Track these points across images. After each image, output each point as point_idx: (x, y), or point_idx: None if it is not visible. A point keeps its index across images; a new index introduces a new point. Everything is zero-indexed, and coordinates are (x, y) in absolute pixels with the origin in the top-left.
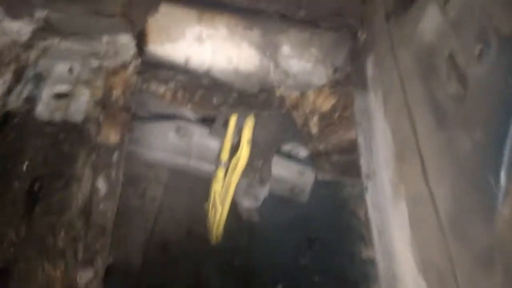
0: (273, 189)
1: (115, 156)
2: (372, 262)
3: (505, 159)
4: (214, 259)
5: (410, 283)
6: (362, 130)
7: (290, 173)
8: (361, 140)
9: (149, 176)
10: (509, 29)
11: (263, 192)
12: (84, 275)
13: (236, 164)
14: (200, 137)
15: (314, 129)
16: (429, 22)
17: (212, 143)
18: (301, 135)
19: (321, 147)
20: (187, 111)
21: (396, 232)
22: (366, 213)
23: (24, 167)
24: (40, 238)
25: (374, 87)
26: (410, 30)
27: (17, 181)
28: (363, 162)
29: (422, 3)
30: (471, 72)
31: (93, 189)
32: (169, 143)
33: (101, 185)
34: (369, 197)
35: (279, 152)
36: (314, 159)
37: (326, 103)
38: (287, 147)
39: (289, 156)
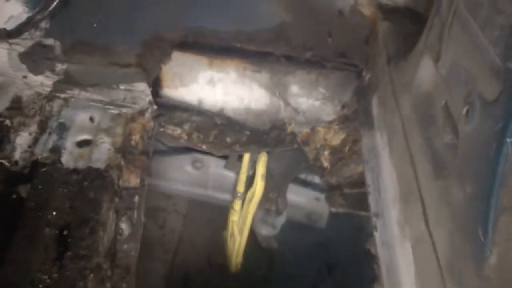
0: (291, 215)
1: (136, 199)
2: None
3: (491, 213)
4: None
5: None
6: (370, 168)
7: (307, 199)
8: (369, 179)
9: (168, 207)
10: (492, 95)
11: (280, 220)
12: None
13: (251, 197)
14: (216, 168)
15: (325, 163)
16: (425, 73)
17: (228, 173)
18: (313, 168)
19: (333, 180)
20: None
21: (403, 270)
22: (375, 250)
23: (53, 215)
24: (71, 281)
25: (379, 127)
26: (409, 77)
27: (47, 228)
28: (371, 200)
29: (418, 55)
30: (460, 128)
31: (117, 231)
32: (186, 175)
33: (124, 226)
34: (378, 235)
35: (294, 179)
36: (326, 194)
37: (336, 138)
38: (302, 174)
39: (305, 183)
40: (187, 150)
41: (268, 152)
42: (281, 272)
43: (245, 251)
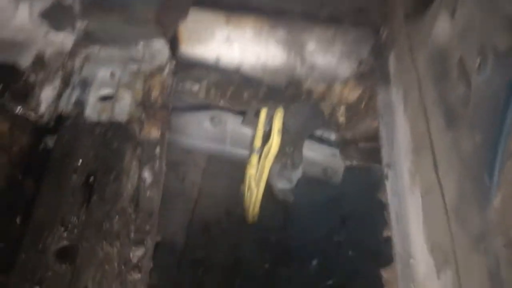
0: (307, 171)
1: (157, 150)
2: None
3: (498, 161)
4: (251, 237)
5: (421, 260)
6: (384, 123)
7: (323, 155)
8: (383, 132)
9: (188, 162)
10: (505, 47)
11: (296, 174)
12: (137, 253)
13: (268, 151)
14: (234, 124)
15: (341, 119)
16: (441, 28)
17: (245, 130)
18: (329, 124)
19: (349, 135)
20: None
21: (411, 217)
22: (386, 198)
23: (79, 163)
24: (98, 223)
25: (395, 83)
26: (426, 33)
27: (74, 175)
28: (384, 153)
29: (435, 10)
30: (473, 80)
31: (140, 179)
32: (204, 131)
33: (147, 175)
34: (389, 184)
35: (311, 136)
36: (341, 147)
37: (352, 94)
38: (318, 132)
39: (321, 140)
40: (206, 106)
41: (284, 108)
42: (297, 224)
43: (262, 204)
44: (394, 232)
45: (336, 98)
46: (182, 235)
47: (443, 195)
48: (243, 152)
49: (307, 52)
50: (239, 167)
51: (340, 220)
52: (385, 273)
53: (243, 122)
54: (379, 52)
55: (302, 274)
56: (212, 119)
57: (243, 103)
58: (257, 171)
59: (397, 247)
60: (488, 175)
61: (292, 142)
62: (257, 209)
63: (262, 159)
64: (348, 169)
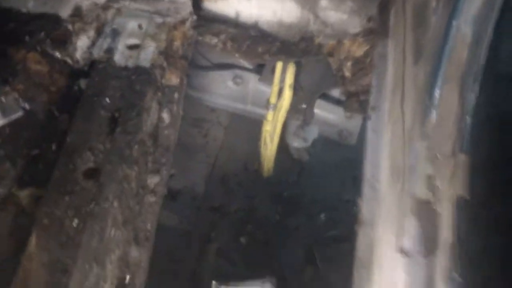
0: (322, 132)
1: (176, 95)
2: None
3: (437, 84)
4: (266, 190)
5: (384, 183)
6: (377, 73)
7: (339, 117)
8: (374, 81)
9: (211, 119)
10: None
11: (312, 134)
12: (153, 180)
13: (281, 107)
14: (255, 84)
15: (347, 73)
16: None
17: (266, 89)
18: (336, 78)
19: (352, 88)
20: (243, 61)
21: (383, 148)
22: (365, 136)
23: (107, 101)
24: (120, 149)
25: (392, 36)
26: None
27: (102, 111)
28: (371, 98)
29: None
30: (432, 20)
31: (159, 119)
32: (227, 90)
33: (165, 116)
34: (370, 123)
35: (327, 97)
36: (345, 99)
37: (359, 50)
38: (335, 93)
39: (338, 102)
40: (229, 66)
41: (298, 65)
42: (309, 181)
43: (278, 161)
44: (367, 163)
45: (344, 53)
46: (202, 185)
47: (403, 123)
48: (264, 111)
49: (319, 8)
50: (259, 125)
51: (351, 180)
52: None
53: (260, 79)
54: (384, 8)
55: (310, 225)
56: (234, 78)
57: (257, 56)
58: (272, 127)
59: (367, 174)
60: (428, 96)
61: (305, 99)
62: (271, 163)
63: (275, 114)
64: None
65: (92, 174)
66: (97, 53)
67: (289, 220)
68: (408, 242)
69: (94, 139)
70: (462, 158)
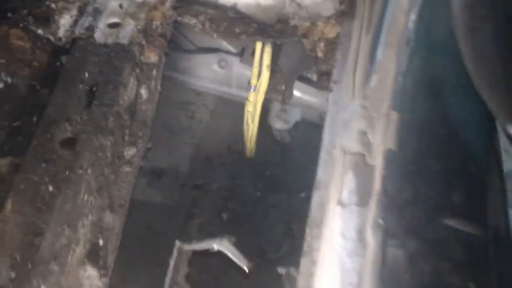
0: (305, 115)
1: (154, 72)
2: None
3: (378, 50)
4: (248, 170)
5: (338, 148)
6: (342, 49)
7: (320, 100)
8: (338, 57)
9: (197, 102)
10: None
11: (294, 116)
12: (129, 151)
13: (259, 87)
14: (239, 67)
15: (320, 53)
16: None
17: (250, 72)
18: (309, 59)
19: (324, 67)
20: (228, 45)
21: (339, 115)
22: (327, 108)
23: (86, 76)
24: (96, 120)
25: (357, 15)
26: None
27: (81, 85)
28: (335, 72)
29: None
30: None
31: (138, 94)
32: (212, 74)
33: (143, 92)
34: (331, 96)
35: (309, 81)
36: (317, 79)
37: (332, 31)
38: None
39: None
40: (214, 50)
41: (276, 47)
42: (291, 162)
43: (261, 143)
44: (325, 131)
45: (318, 35)
46: (186, 164)
47: (353, 91)
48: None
49: None
50: (244, 108)
51: None
52: None
53: (241, 60)
54: None
55: (290, 202)
56: (219, 61)
57: (234, 36)
58: (253, 108)
59: (325, 141)
60: (370, 61)
61: (284, 80)
62: (253, 143)
63: (255, 95)
64: None
65: (69, 143)
66: (79, 31)
67: (270, 198)
68: (346, 194)
69: (72, 111)
70: (394, 115)
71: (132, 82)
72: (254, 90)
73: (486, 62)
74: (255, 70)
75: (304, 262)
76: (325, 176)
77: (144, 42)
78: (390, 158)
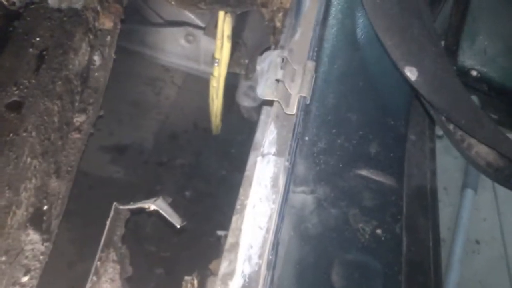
0: None
1: (108, 38)
2: None
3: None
4: (214, 147)
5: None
6: (291, 14)
7: None
8: (287, 22)
9: (165, 78)
10: None
11: None
12: (79, 118)
13: (221, 59)
14: (207, 43)
15: (278, 23)
16: None
17: None
18: (268, 29)
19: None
20: (196, 19)
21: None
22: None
23: (36, 39)
24: (44, 84)
25: None
26: None
27: (31, 49)
28: (282, 38)
29: None
30: None
31: (90, 61)
32: (180, 49)
33: (97, 59)
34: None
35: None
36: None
37: (289, 1)
38: None
39: None
40: (181, 23)
41: (241, 20)
42: None
43: (228, 120)
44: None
45: (276, 4)
46: (151, 141)
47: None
48: None
49: None
50: None
51: None
52: None
53: (204, 33)
54: None
55: None
56: (186, 36)
57: (192, 4)
58: (217, 82)
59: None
60: (295, 18)
61: (248, 54)
62: (219, 119)
63: (218, 68)
64: None
65: (15, 106)
66: None
67: (234, 176)
68: (267, 145)
69: (20, 75)
70: (310, 64)
71: (84, 47)
72: (218, 64)
73: (381, 10)
74: (219, 42)
75: (234, 219)
76: (259, 135)
77: (98, 7)
78: (306, 108)
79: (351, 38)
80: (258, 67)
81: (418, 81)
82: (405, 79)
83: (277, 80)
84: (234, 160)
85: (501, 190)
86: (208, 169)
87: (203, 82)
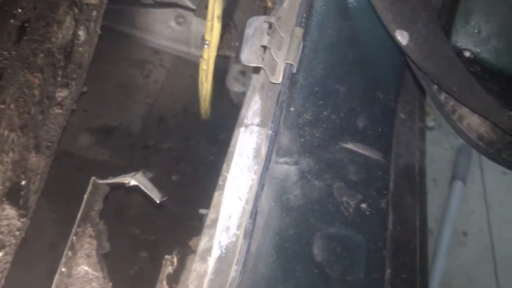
0: None
1: (94, 13)
2: None
3: None
4: (203, 132)
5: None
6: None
7: None
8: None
9: (155, 61)
10: None
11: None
12: (61, 93)
13: (211, 40)
14: (198, 25)
15: (269, 3)
16: None
17: None
18: (259, 10)
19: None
20: (187, 0)
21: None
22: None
23: (19, 11)
24: (24, 56)
25: None
26: None
27: (12, 20)
28: (272, 13)
29: None
30: None
31: (75, 35)
32: (170, 31)
33: (81, 34)
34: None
35: None
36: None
37: None
38: None
39: None
40: (171, 4)
41: (232, 2)
42: None
43: (218, 106)
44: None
45: None
46: (138, 124)
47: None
48: None
49: None
50: None
51: None
52: None
53: (195, 14)
54: None
55: None
56: (176, 17)
57: None
58: (207, 65)
59: (253, 80)
60: None
61: (238, 36)
62: (208, 103)
63: (208, 51)
64: None
65: None
66: None
67: (221, 161)
68: (250, 116)
69: (0, 46)
70: (298, 31)
71: (68, 21)
72: (208, 46)
73: None
74: (209, 23)
75: (216, 195)
76: (244, 111)
77: None
78: (293, 77)
79: (342, 6)
80: (244, 33)
81: (409, 46)
82: (396, 51)
83: (263, 47)
84: (222, 146)
85: (490, 182)
86: (196, 154)
87: (193, 66)
